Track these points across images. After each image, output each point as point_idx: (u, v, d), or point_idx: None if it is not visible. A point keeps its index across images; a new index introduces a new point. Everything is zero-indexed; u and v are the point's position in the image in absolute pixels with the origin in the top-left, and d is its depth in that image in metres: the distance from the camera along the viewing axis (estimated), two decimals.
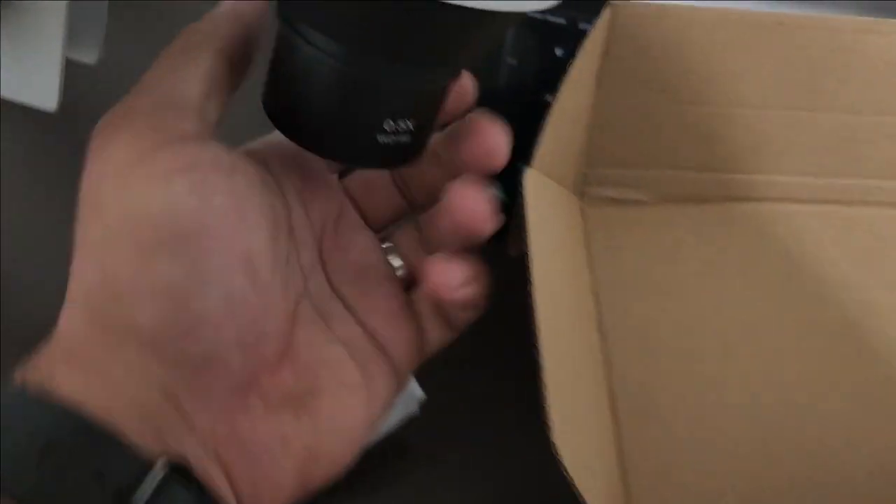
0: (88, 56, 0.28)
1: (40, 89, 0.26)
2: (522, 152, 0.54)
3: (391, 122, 0.24)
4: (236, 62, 0.25)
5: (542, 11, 0.50)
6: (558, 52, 0.52)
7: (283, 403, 0.23)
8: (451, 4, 0.20)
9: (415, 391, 0.41)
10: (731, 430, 0.33)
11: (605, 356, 0.34)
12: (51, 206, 0.38)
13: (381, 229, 0.29)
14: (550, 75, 0.52)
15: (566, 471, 0.23)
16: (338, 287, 0.26)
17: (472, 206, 0.25)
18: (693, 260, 0.37)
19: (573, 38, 0.50)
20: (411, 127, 0.25)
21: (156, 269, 0.21)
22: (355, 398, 0.25)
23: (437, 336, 0.27)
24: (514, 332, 0.42)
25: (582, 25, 0.49)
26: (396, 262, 0.29)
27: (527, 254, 0.27)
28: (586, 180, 0.36)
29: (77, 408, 0.20)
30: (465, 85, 0.27)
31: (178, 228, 0.21)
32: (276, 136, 0.25)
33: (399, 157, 0.25)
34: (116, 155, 0.22)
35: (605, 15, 0.32)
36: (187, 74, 0.23)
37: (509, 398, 0.36)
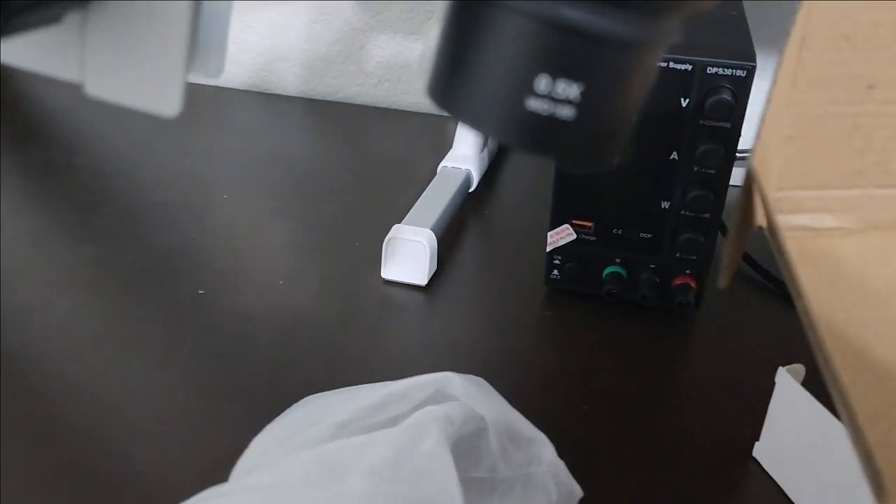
0: (213, 72, 0.23)
1: (162, 95, 0.21)
2: (653, 221, 0.48)
3: (548, 81, 0.18)
4: None
5: (665, 57, 0.45)
6: (684, 102, 0.46)
7: None
8: None
9: (572, 487, 0.34)
10: None
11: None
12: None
13: None
14: (677, 131, 0.47)
15: None
16: None
17: None
18: None
19: (702, 86, 0.45)
20: (577, 96, 0.19)
21: None
22: None
23: None
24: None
25: (711, 70, 0.44)
26: None
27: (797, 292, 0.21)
28: (776, 206, 0.30)
29: None
30: None
31: None
32: None
33: (553, 137, 0.19)
34: None
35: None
36: None
37: None
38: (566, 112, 0.19)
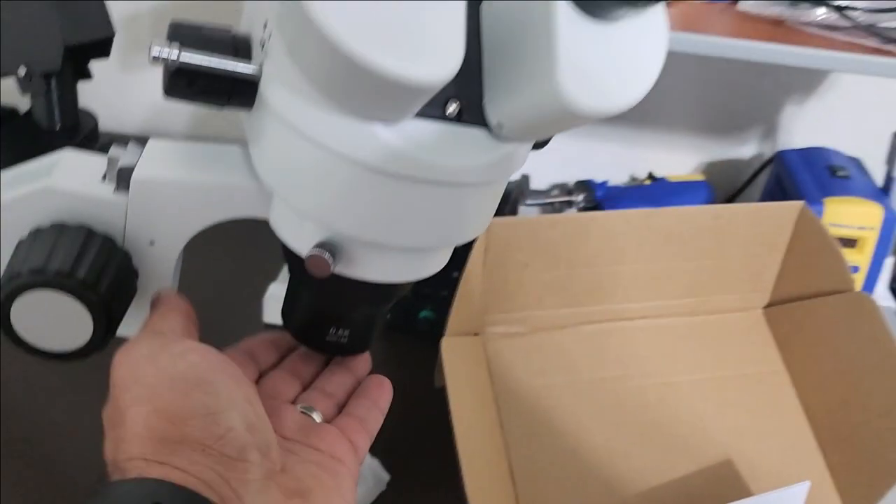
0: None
1: None
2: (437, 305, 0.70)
3: (333, 331, 0.42)
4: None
5: None
6: None
7: (293, 494, 0.34)
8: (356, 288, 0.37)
9: (382, 474, 0.59)
10: (585, 463, 0.52)
11: (504, 440, 0.52)
12: None
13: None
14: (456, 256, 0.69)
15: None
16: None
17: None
18: (559, 370, 0.56)
19: None
20: (346, 335, 0.42)
21: (195, 399, 0.32)
22: (335, 492, 0.36)
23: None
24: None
25: None
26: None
27: (446, 392, 0.45)
28: (484, 323, 0.55)
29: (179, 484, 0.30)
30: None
31: (202, 378, 0.34)
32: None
33: (341, 350, 0.43)
34: (140, 350, 0.34)
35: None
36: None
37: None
38: (344, 341, 0.42)
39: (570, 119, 0.32)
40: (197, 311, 0.40)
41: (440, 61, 0.29)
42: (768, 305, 0.60)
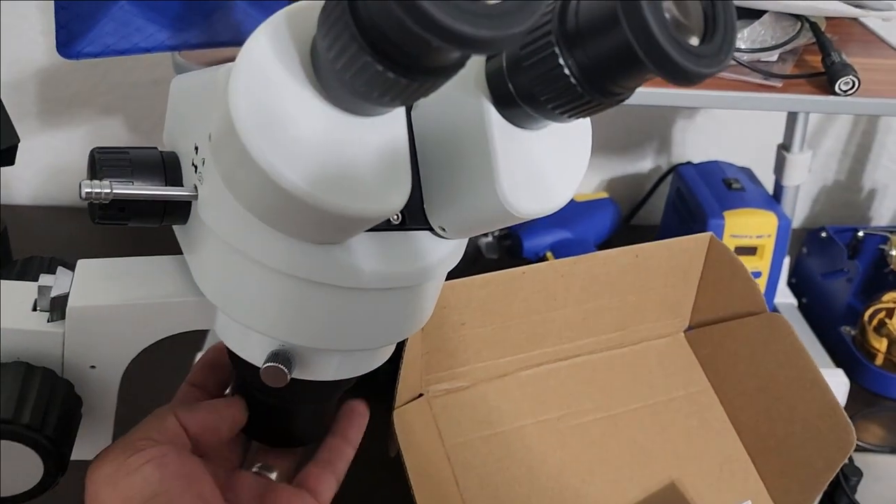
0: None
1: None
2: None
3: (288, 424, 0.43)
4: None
5: None
6: None
7: None
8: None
9: None
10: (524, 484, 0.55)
11: (461, 497, 0.54)
12: None
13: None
14: None
15: None
16: None
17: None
18: (504, 418, 0.57)
19: None
20: (302, 427, 0.44)
21: None
22: None
23: None
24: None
25: None
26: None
27: (402, 459, 0.46)
28: (427, 382, 0.56)
29: None
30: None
31: (154, 491, 0.35)
32: None
33: (298, 441, 0.45)
34: (103, 470, 0.36)
35: None
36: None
37: None
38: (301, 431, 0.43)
39: (511, 220, 0.33)
40: (124, 385, 0.41)
41: (392, 197, 0.30)
42: (688, 329, 0.63)
